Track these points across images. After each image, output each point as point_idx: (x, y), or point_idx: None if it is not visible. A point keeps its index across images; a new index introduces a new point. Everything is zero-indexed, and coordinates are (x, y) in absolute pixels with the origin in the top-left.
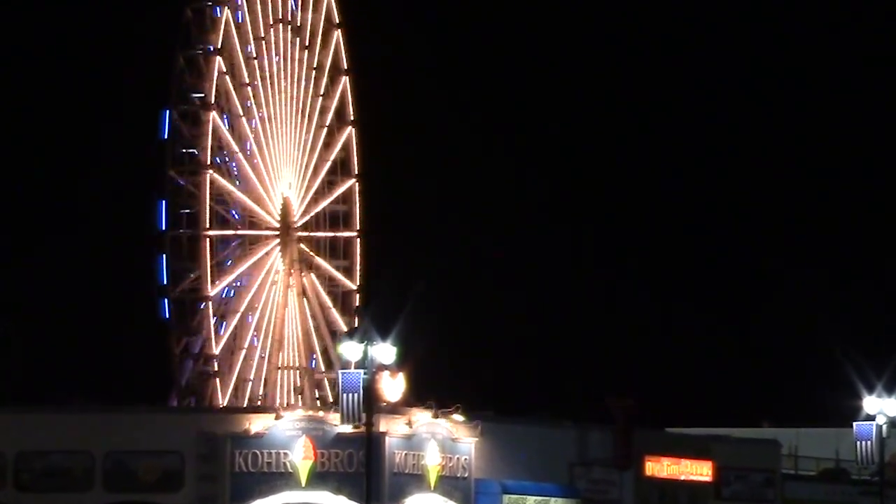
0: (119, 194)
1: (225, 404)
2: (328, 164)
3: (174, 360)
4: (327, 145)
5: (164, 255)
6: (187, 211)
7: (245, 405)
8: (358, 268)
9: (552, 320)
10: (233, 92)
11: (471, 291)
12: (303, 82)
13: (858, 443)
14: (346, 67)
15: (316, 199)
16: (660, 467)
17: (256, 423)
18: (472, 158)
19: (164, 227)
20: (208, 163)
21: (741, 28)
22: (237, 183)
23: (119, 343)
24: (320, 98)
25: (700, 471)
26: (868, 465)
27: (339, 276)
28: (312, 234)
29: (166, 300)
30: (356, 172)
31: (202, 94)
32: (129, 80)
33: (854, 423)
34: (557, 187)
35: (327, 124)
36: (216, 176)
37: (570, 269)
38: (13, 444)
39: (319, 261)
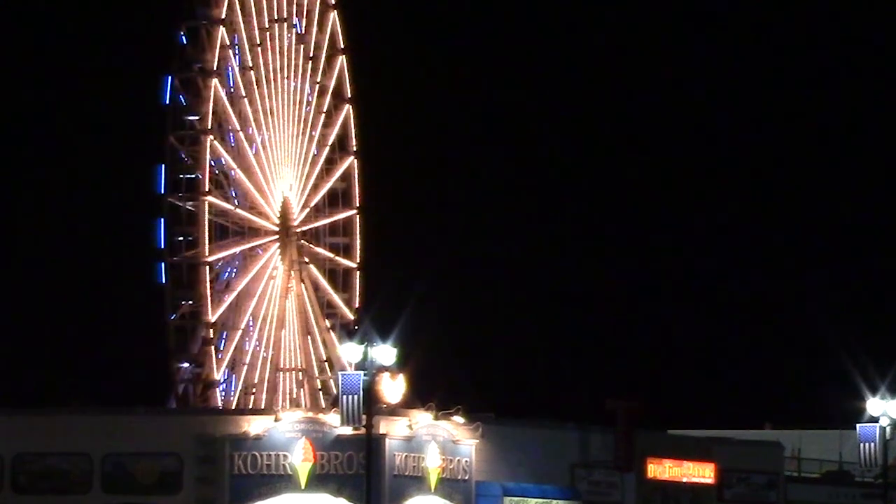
0: (117, 175)
1: (220, 377)
2: (328, 185)
3: (168, 329)
4: (328, 171)
5: (162, 220)
6: (187, 177)
7: (242, 388)
8: (357, 300)
9: (554, 322)
10: (237, 69)
11: (472, 292)
12: (304, 97)
13: (862, 445)
14: (349, 96)
15: (316, 216)
16: (662, 469)
17: (255, 425)
18: (475, 161)
19: (162, 191)
20: (209, 127)
21: (741, 30)
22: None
23: (117, 344)
24: (322, 116)
25: (702, 473)
26: (872, 467)
27: (338, 300)
28: (314, 248)
29: (163, 264)
30: (357, 205)
31: (203, 64)
32: (130, 49)
33: (857, 425)
34: (561, 190)
35: (328, 146)
36: (216, 144)
37: (572, 270)
38: (10, 446)
39: (317, 273)
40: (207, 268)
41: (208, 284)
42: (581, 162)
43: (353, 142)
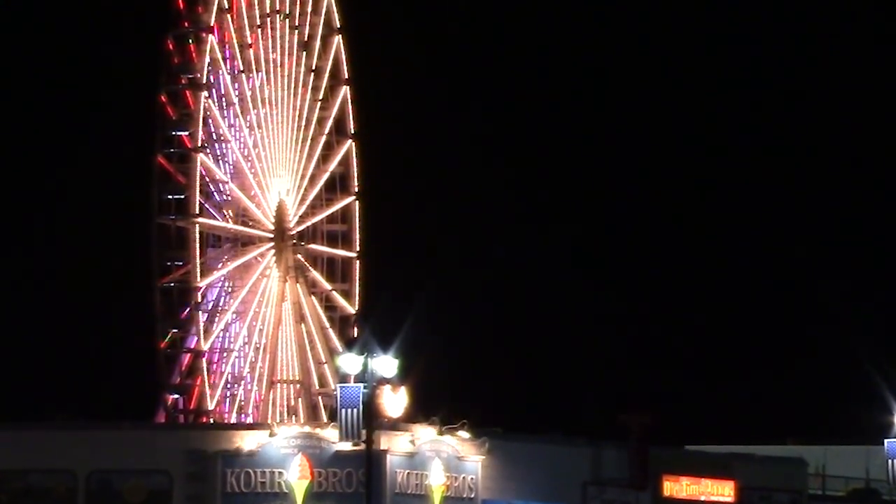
0: (106, 178)
1: (212, 406)
2: (326, 175)
3: (158, 356)
4: (325, 157)
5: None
6: (177, 197)
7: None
8: (357, 290)
9: (564, 332)
10: (227, 78)
11: (478, 302)
12: (300, 84)
13: (890, 461)
14: (346, 77)
15: (313, 212)
16: (679, 487)
17: (249, 440)
18: (480, 169)
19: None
20: (199, 144)
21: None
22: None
23: (103, 356)
24: (318, 103)
25: (721, 491)
26: None
27: (337, 296)
28: (310, 245)
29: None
30: (356, 190)
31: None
32: (117, 61)
33: (885, 441)
34: (568, 200)
35: (325, 133)
36: (207, 160)
37: (582, 279)
38: None
39: (315, 274)
40: (199, 293)
41: (201, 315)
42: (592, 173)
43: (352, 124)
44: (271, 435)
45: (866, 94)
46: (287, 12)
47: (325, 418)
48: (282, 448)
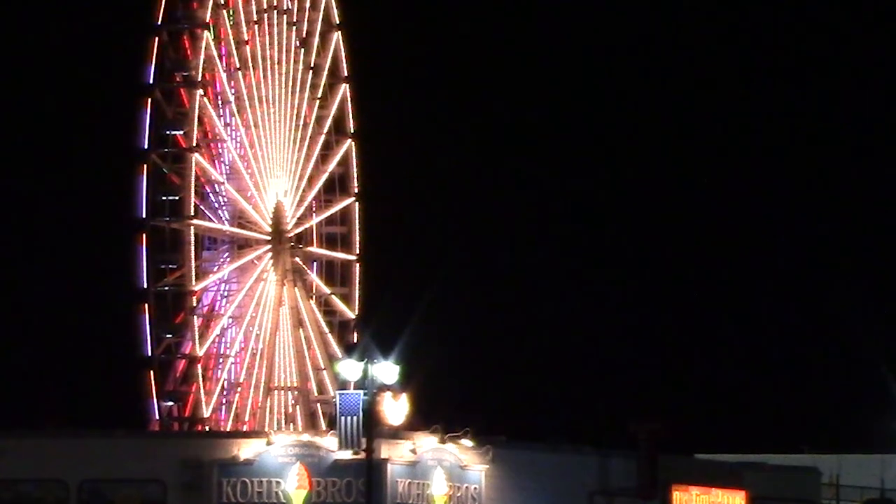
0: (96, 176)
1: (208, 413)
2: (325, 176)
3: (153, 364)
4: (324, 157)
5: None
6: (171, 198)
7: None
8: (357, 294)
9: (570, 338)
10: (224, 75)
11: (482, 306)
12: (298, 82)
13: None
14: (345, 74)
15: (312, 213)
16: (688, 497)
17: (246, 449)
18: (483, 169)
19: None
20: (194, 144)
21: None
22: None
23: (96, 362)
24: (317, 101)
25: (732, 501)
26: None
27: (336, 300)
28: (308, 248)
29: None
30: (356, 191)
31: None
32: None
33: None
34: (576, 203)
35: (324, 132)
36: (202, 160)
37: (590, 284)
38: None
39: (314, 278)
40: (194, 297)
41: (196, 319)
42: (602, 177)
43: (351, 123)
44: (268, 443)
45: (879, 104)
46: (285, 8)
47: (323, 426)
48: (279, 457)
